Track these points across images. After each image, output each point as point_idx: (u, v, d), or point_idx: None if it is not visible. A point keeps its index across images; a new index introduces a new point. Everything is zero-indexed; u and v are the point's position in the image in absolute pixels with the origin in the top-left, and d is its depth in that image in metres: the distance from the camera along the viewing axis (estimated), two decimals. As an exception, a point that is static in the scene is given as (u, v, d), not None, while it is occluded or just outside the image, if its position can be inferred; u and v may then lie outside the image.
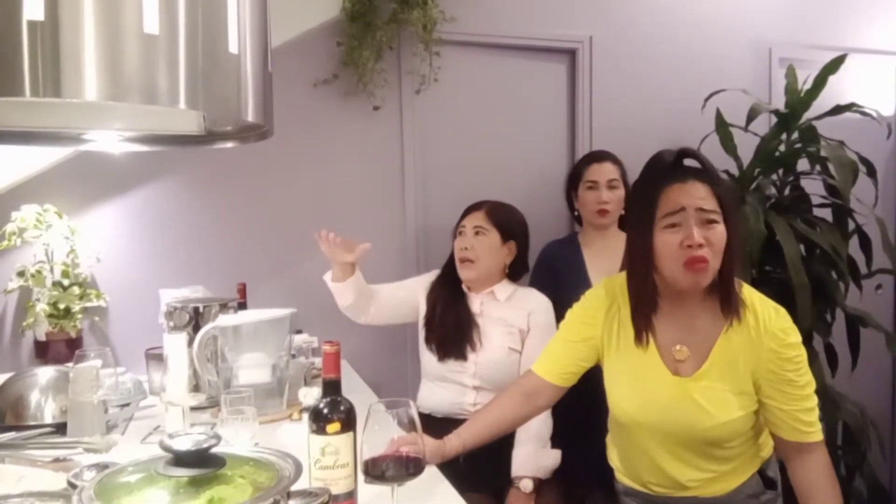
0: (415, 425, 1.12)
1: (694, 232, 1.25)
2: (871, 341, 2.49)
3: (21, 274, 2.07)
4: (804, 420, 1.31)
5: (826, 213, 2.48)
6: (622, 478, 1.51)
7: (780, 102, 2.62)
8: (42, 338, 2.11)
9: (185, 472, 0.82)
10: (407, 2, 2.33)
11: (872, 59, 3.16)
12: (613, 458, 1.53)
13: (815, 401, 1.32)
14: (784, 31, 3.02)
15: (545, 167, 2.72)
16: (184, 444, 0.83)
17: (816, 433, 1.32)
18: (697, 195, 1.28)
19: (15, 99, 1.08)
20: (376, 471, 1.08)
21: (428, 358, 2.01)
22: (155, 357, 1.89)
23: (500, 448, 1.70)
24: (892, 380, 3.39)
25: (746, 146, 2.47)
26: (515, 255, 2.03)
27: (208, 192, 2.34)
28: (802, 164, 2.51)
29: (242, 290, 2.11)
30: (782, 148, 2.49)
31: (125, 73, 0.91)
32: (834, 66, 2.42)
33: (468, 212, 2.05)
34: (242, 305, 2.02)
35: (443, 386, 1.99)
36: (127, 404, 1.72)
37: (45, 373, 1.62)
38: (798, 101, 2.45)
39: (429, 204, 2.59)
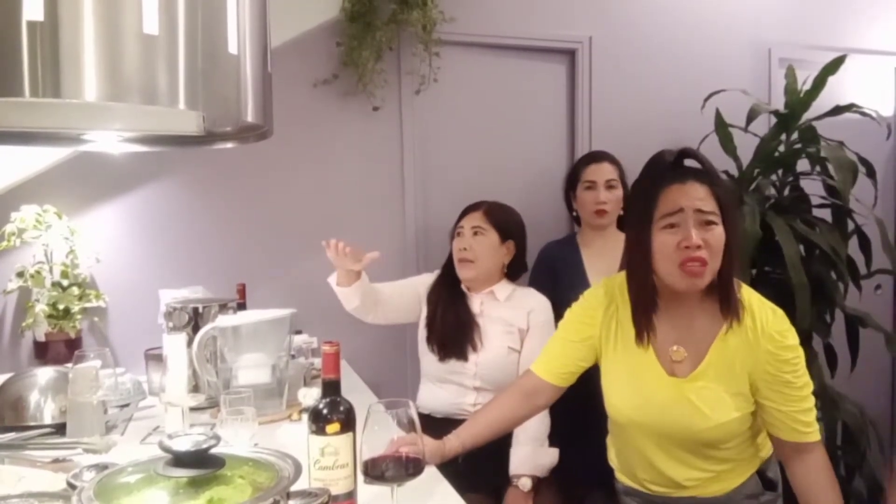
0: (414, 426, 1.12)
1: (692, 233, 1.25)
2: (870, 341, 2.49)
3: (20, 274, 2.07)
4: (802, 420, 1.31)
5: (826, 214, 2.48)
6: (621, 477, 1.51)
7: (779, 103, 2.62)
8: (41, 338, 2.11)
9: (184, 473, 0.82)
10: (406, 2, 2.33)
11: (872, 60, 3.17)
12: (612, 457, 1.53)
13: (812, 401, 1.32)
14: (784, 31, 3.02)
15: (545, 167, 2.72)
16: (183, 445, 0.83)
17: (814, 433, 1.32)
18: (696, 196, 1.28)
19: (15, 99, 1.08)
20: (376, 471, 1.08)
21: (429, 358, 2.01)
22: (154, 357, 1.89)
23: (499, 448, 1.70)
24: (891, 380, 3.39)
25: (746, 147, 2.47)
26: (514, 254, 2.03)
27: (208, 193, 2.34)
28: (802, 165, 2.51)
29: (242, 291, 2.11)
30: (782, 148, 2.49)
31: (125, 73, 0.91)
32: (834, 66, 2.42)
33: (466, 212, 2.05)
34: (242, 306, 2.02)
35: (443, 386, 1.99)
36: (126, 405, 1.72)
37: (45, 373, 1.62)
38: (798, 101, 2.45)
39: (429, 204, 2.59)
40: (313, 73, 2.40)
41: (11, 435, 1.46)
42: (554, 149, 2.78)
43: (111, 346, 2.20)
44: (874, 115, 2.39)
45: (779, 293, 1.86)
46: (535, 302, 1.99)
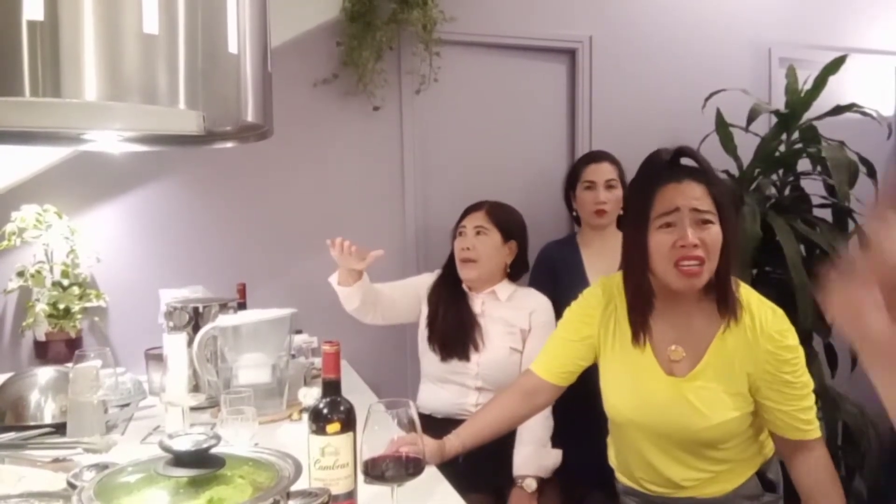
0: (415, 425, 1.12)
1: (688, 232, 1.25)
2: (870, 341, 2.48)
3: (21, 274, 2.07)
4: (802, 419, 1.31)
5: (826, 214, 2.48)
6: (621, 477, 1.51)
7: (780, 103, 2.62)
8: (42, 338, 2.11)
9: (184, 473, 0.82)
10: (407, 2, 2.33)
11: (872, 59, 3.16)
12: (612, 457, 1.53)
13: (812, 399, 1.32)
14: (784, 31, 3.02)
15: (545, 167, 2.72)
16: (183, 445, 0.83)
17: (815, 430, 1.32)
18: (692, 195, 1.27)
19: (15, 99, 1.08)
20: (376, 471, 1.08)
21: (430, 358, 2.01)
22: (155, 357, 1.89)
23: (499, 448, 1.70)
24: (892, 380, 3.38)
25: (746, 146, 2.47)
26: (516, 254, 2.03)
27: (208, 192, 2.34)
28: (803, 165, 2.51)
29: (242, 290, 2.11)
30: (782, 148, 2.49)
31: (125, 73, 0.91)
32: (834, 66, 2.42)
33: (468, 212, 2.05)
34: (242, 305, 2.02)
35: (444, 387, 1.99)
36: (127, 404, 1.72)
37: (45, 373, 1.62)
38: (798, 101, 2.45)
39: (429, 204, 2.59)
40: (313, 73, 2.40)
41: (11, 434, 1.46)
42: (554, 149, 2.78)
43: (111, 345, 2.20)
44: (875, 114, 2.39)
45: (779, 293, 1.86)
46: (537, 302, 1.99)
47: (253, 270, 2.33)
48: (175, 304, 1.82)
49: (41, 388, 1.57)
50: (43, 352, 2.10)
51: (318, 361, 1.96)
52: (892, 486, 2.33)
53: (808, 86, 2.44)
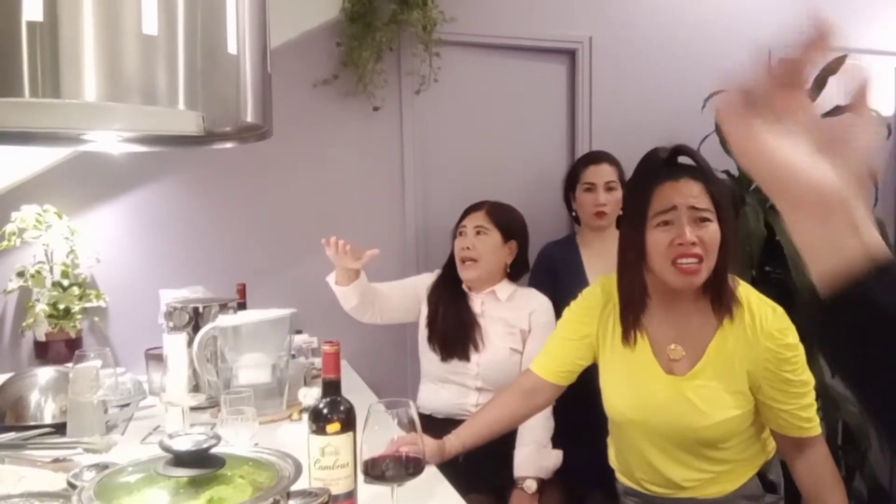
0: (415, 425, 1.12)
1: (685, 230, 1.25)
2: (871, 341, 2.48)
3: (21, 274, 2.07)
4: (803, 416, 1.31)
5: (826, 214, 2.47)
6: (621, 477, 1.51)
7: (780, 102, 2.62)
8: (42, 338, 2.11)
9: (184, 473, 0.82)
10: (407, 2, 2.33)
11: (873, 60, 3.16)
12: (612, 457, 1.53)
13: (812, 396, 1.33)
14: (784, 31, 3.02)
15: (545, 167, 2.72)
16: (183, 445, 0.83)
17: (815, 427, 1.32)
18: (690, 193, 1.27)
19: (15, 99, 1.08)
20: (376, 471, 1.08)
21: (430, 358, 2.01)
22: (155, 357, 1.89)
23: (499, 448, 1.70)
24: (892, 380, 3.38)
25: (746, 146, 2.47)
26: (516, 254, 2.03)
27: (208, 192, 2.34)
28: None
29: (242, 290, 2.11)
30: (782, 148, 2.49)
31: (124, 73, 0.91)
32: (834, 66, 2.42)
33: (468, 212, 2.05)
34: (242, 305, 2.02)
35: (445, 387, 1.99)
36: (127, 404, 1.72)
37: (45, 373, 1.62)
38: (798, 101, 2.44)
39: (429, 204, 2.59)
40: (313, 73, 2.40)
41: (12, 434, 1.46)
42: (554, 149, 2.78)
43: (111, 345, 2.20)
44: (874, 114, 2.39)
45: (780, 293, 1.86)
46: (537, 303, 1.99)
47: (253, 270, 2.33)
48: (175, 304, 1.82)
49: (41, 389, 1.58)
50: (43, 352, 2.10)
51: (318, 361, 1.96)
52: None
53: (808, 86, 2.43)
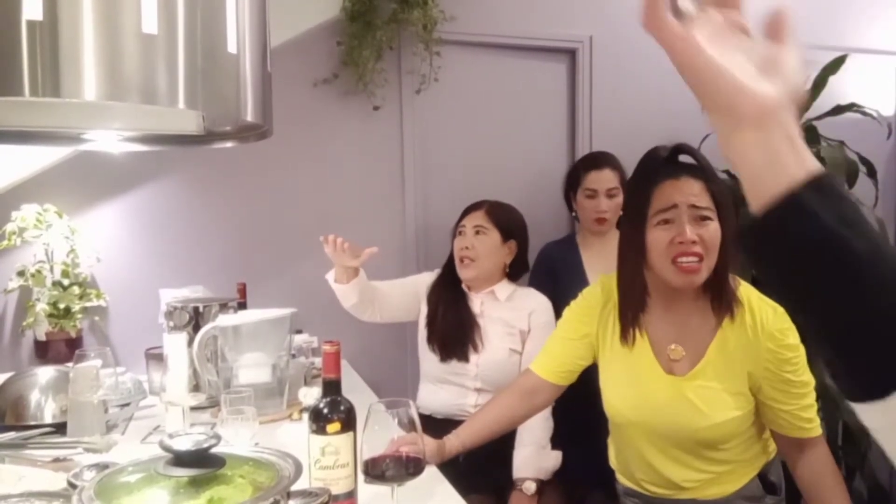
0: (415, 425, 1.12)
1: (686, 229, 1.24)
2: (871, 341, 2.48)
3: (21, 274, 2.07)
4: (803, 417, 1.31)
5: (826, 213, 2.47)
6: (621, 478, 1.51)
7: (780, 102, 2.62)
8: (42, 338, 2.11)
9: (184, 472, 0.82)
10: (407, 1, 2.33)
11: (872, 59, 3.16)
12: (612, 457, 1.53)
13: (813, 397, 1.32)
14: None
15: (545, 167, 2.72)
16: (184, 444, 0.83)
17: (816, 428, 1.32)
18: (690, 192, 1.27)
19: (14, 98, 1.08)
20: (376, 471, 1.08)
21: (429, 359, 2.01)
22: (155, 357, 1.89)
23: (500, 448, 1.70)
24: (892, 379, 3.38)
25: (747, 146, 2.47)
26: (515, 254, 2.03)
27: (208, 192, 2.34)
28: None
29: (242, 290, 2.11)
30: (783, 148, 2.48)
31: (124, 73, 0.91)
32: (834, 66, 2.42)
33: (468, 211, 2.05)
34: (242, 305, 2.02)
35: (444, 387, 1.99)
36: (127, 404, 1.72)
37: (45, 373, 1.62)
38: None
39: (429, 204, 2.59)
40: (313, 73, 2.40)
41: (12, 434, 1.46)
42: (554, 149, 2.78)
43: (112, 345, 2.20)
44: (875, 114, 2.39)
45: (780, 293, 1.85)
46: (537, 303, 1.99)
47: (253, 270, 2.33)
48: (175, 304, 1.82)
49: (41, 388, 1.58)
50: (43, 351, 2.10)
51: (318, 361, 1.96)
52: None
53: (808, 86, 2.44)
